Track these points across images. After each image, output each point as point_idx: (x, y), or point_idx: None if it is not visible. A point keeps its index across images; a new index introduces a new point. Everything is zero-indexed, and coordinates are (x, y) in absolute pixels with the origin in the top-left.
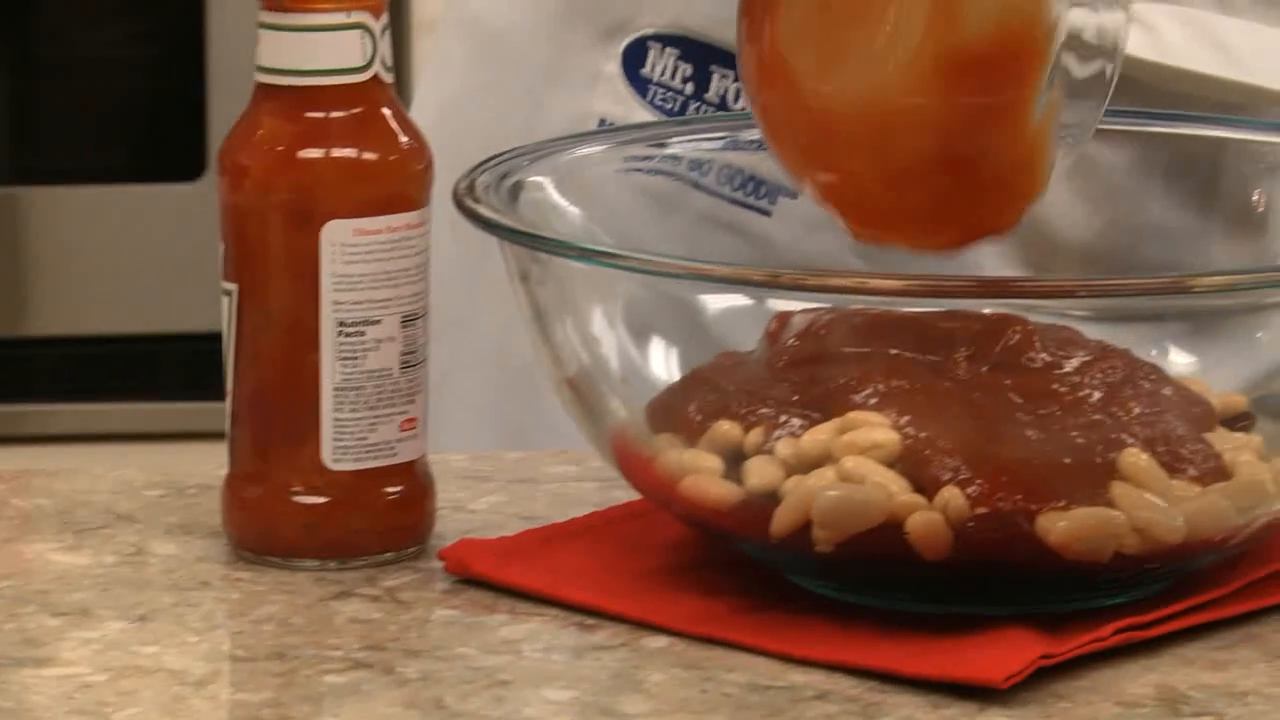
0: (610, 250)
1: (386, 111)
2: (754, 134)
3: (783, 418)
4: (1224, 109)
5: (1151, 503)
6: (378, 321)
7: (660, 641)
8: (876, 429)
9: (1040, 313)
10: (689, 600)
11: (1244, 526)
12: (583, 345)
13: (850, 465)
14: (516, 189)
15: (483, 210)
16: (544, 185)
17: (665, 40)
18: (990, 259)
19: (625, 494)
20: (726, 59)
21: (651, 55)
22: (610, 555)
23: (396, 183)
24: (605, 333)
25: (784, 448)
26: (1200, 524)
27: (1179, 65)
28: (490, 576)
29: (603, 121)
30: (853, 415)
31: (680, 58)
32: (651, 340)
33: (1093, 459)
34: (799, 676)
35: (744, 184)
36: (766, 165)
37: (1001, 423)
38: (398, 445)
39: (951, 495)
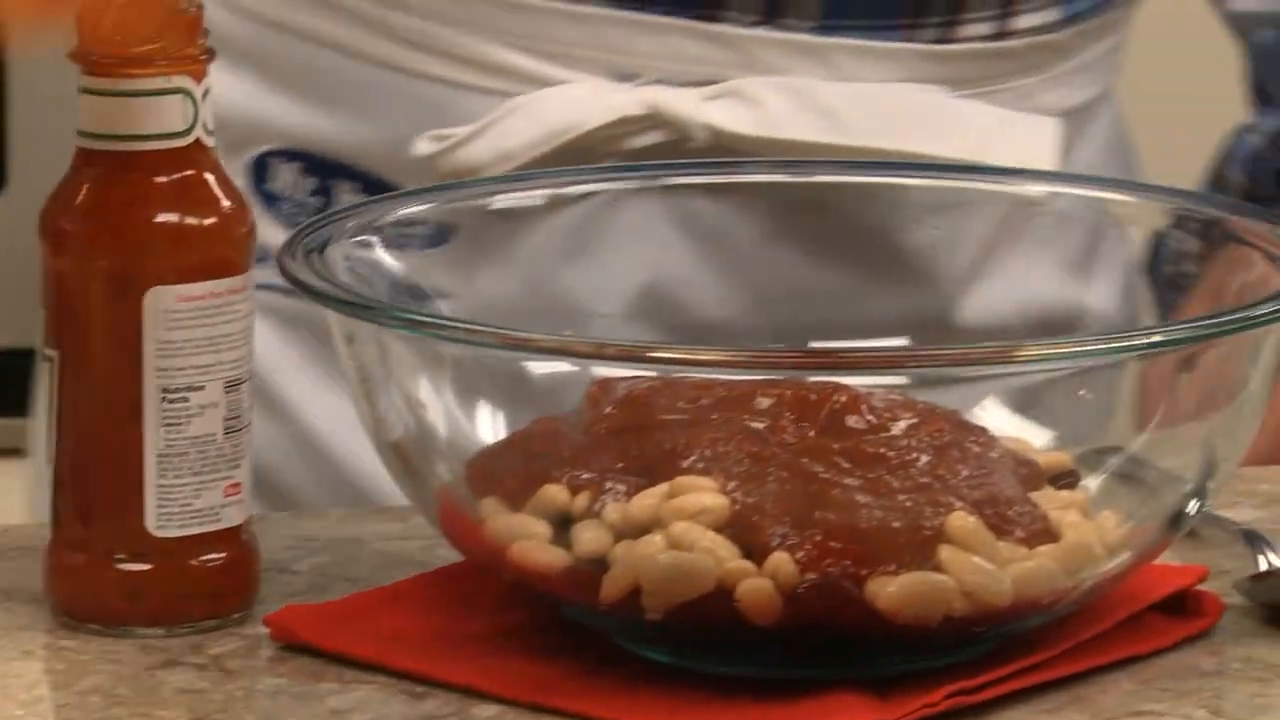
0: (433, 320)
1: (209, 176)
2: (582, 188)
3: (608, 483)
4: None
5: (979, 566)
6: (201, 387)
7: (491, 710)
8: (705, 494)
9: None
10: (518, 665)
11: (1072, 589)
12: (407, 408)
13: (679, 530)
14: (347, 248)
15: (305, 276)
16: (373, 244)
17: (287, 155)
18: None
19: (449, 553)
20: (349, 172)
21: (276, 170)
22: (437, 619)
23: (220, 247)
24: (431, 396)
25: (612, 512)
26: (1028, 587)
27: (788, 137)
28: (317, 644)
29: None
30: (681, 480)
31: (303, 172)
32: (478, 404)
33: (921, 523)
34: None
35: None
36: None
37: (829, 488)
38: (222, 511)
39: (781, 561)
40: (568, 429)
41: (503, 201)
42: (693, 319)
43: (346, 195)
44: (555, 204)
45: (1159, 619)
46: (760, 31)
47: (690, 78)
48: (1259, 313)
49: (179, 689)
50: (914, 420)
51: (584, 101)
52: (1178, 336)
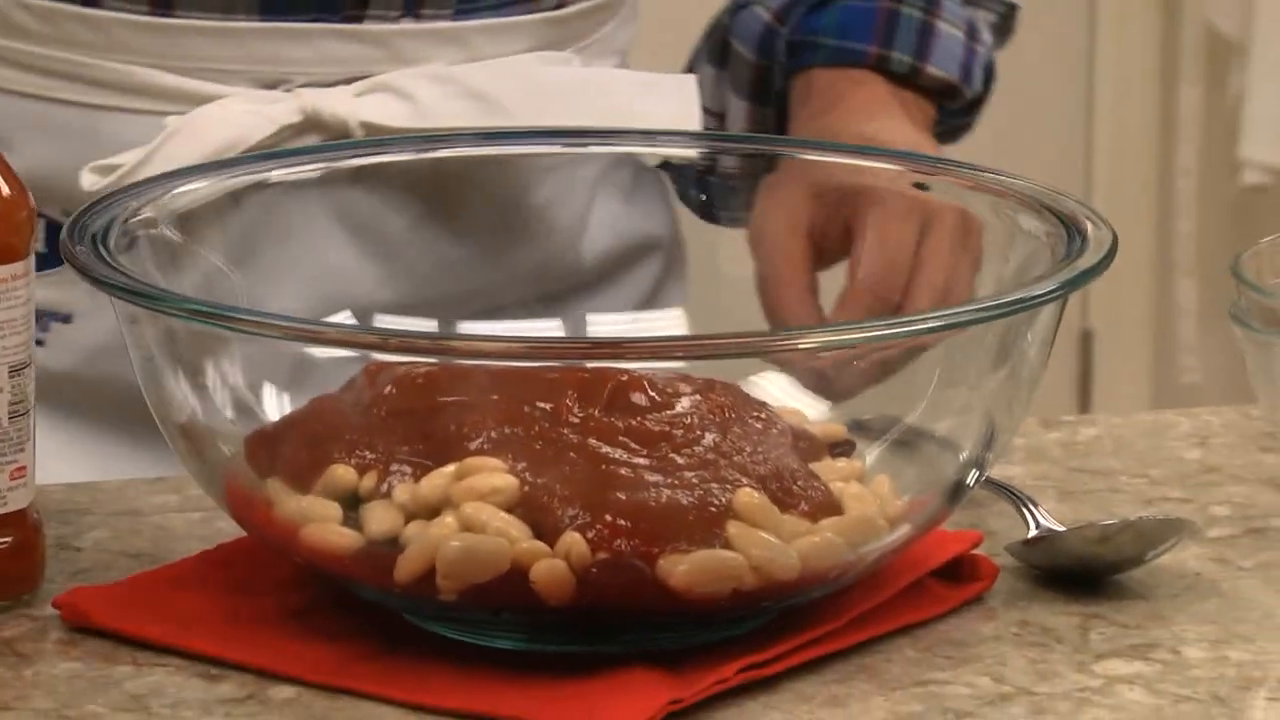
0: (219, 311)
1: None
2: (354, 162)
3: (395, 464)
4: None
5: (767, 541)
6: None
7: (288, 692)
8: (495, 474)
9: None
10: (311, 646)
11: (856, 561)
12: (194, 391)
13: (470, 511)
14: (136, 228)
15: (88, 262)
16: (160, 223)
17: None
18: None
19: (227, 525)
20: None
21: None
22: (227, 599)
23: (1, 234)
24: (217, 379)
25: (402, 493)
26: (814, 560)
27: (443, 126)
28: (110, 626)
29: None
30: (471, 461)
31: None
32: (264, 387)
33: (708, 500)
34: None
35: None
36: None
37: (617, 467)
38: (8, 494)
39: (573, 541)
40: (347, 409)
41: (183, 202)
42: (357, 307)
43: None
44: (224, 207)
45: (937, 584)
46: (403, 25)
47: (339, 76)
48: (1037, 293)
49: None
50: (695, 396)
51: (241, 116)
52: (957, 320)
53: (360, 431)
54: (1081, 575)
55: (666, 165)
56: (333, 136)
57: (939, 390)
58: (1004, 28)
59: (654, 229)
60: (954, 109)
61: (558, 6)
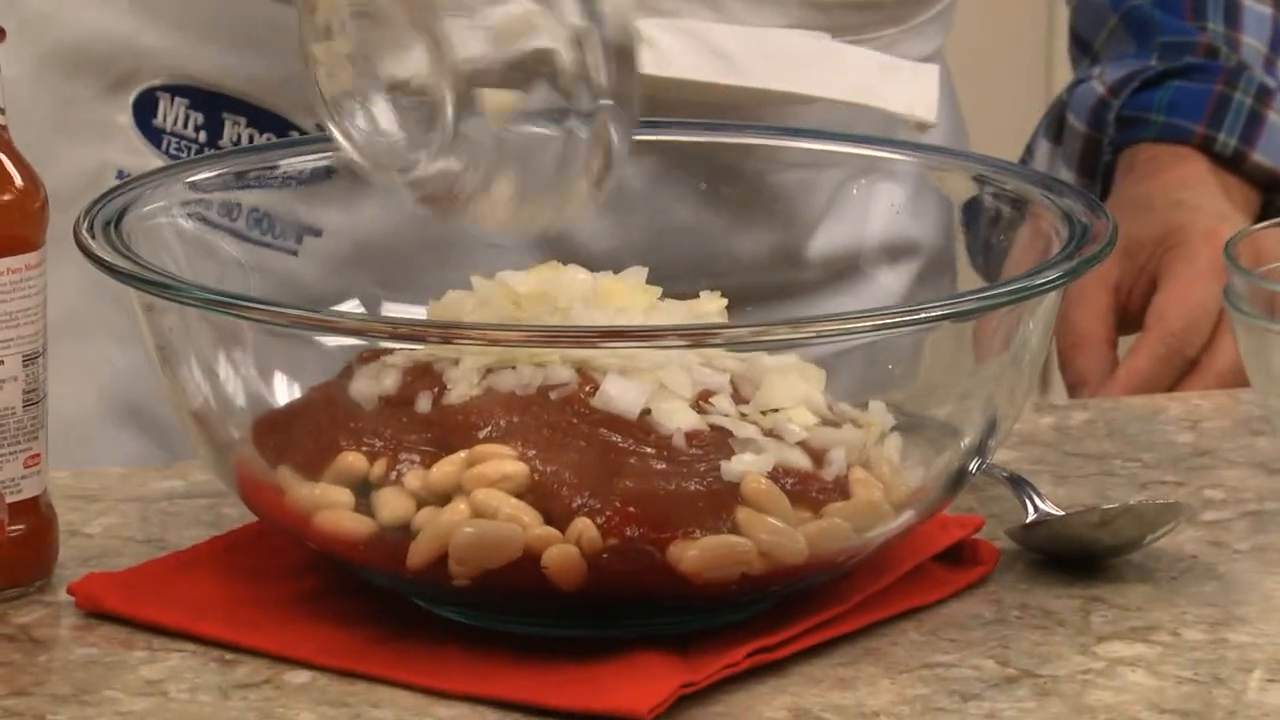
0: (233, 299)
1: (2, 156)
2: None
3: (404, 451)
4: (727, 112)
5: (774, 526)
6: (0, 363)
7: (303, 676)
8: (505, 461)
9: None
10: (325, 630)
11: (862, 547)
12: (207, 379)
13: (482, 497)
14: (149, 216)
15: (102, 251)
16: (174, 212)
17: (174, 90)
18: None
19: (236, 509)
20: (236, 105)
21: (162, 105)
22: (240, 584)
23: (14, 224)
24: (229, 368)
25: (413, 479)
26: (821, 545)
27: (681, 76)
28: (124, 612)
29: (120, 173)
30: (481, 448)
31: (190, 106)
32: (277, 375)
33: (717, 485)
34: (444, 710)
35: (270, 227)
36: (286, 205)
37: (626, 454)
38: (22, 482)
39: (585, 527)
40: (353, 396)
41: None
42: (583, 251)
43: (234, 129)
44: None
45: (939, 568)
46: None
47: None
48: (1039, 282)
49: None
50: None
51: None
52: (960, 309)
53: (369, 418)
54: (1081, 559)
55: (967, 212)
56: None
57: (941, 379)
58: None
59: (918, 236)
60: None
61: None
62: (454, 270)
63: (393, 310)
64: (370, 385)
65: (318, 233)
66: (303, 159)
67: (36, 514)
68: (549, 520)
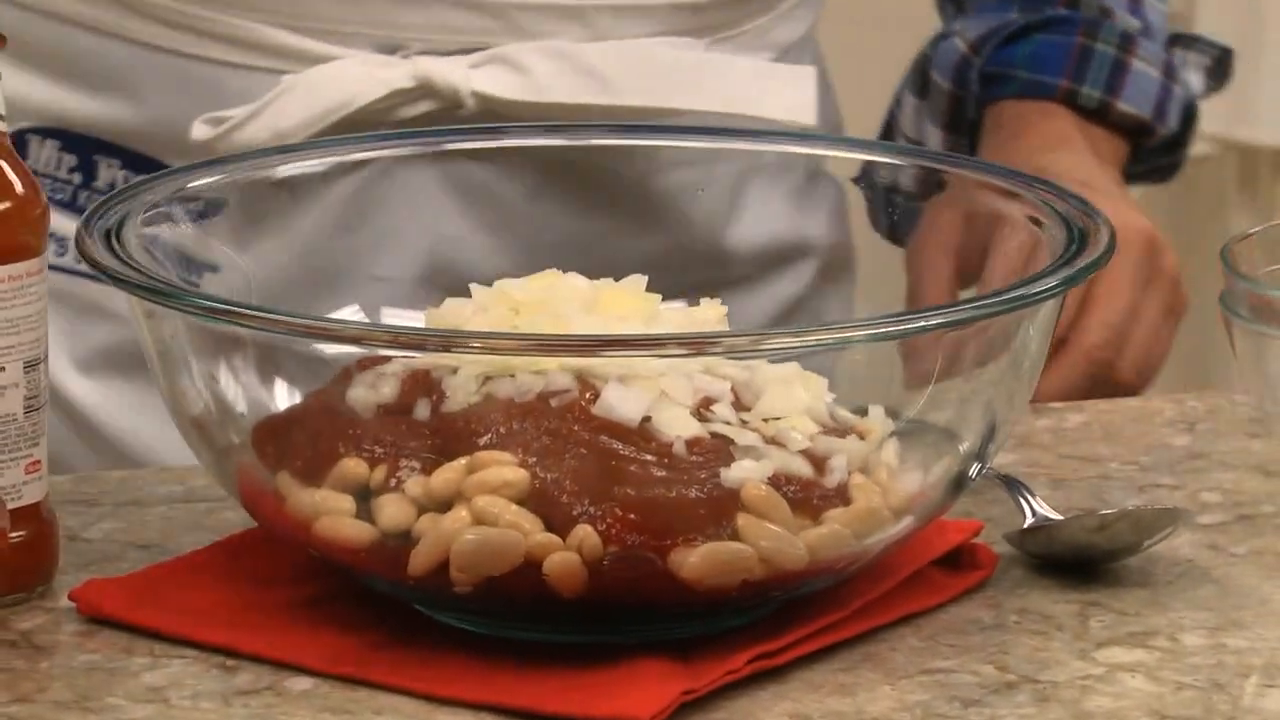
0: (233, 307)
1: (2, 164)
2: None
3: (404, 457)
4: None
5: (775, 533)
6: (1, 369)
7: (304, 683)
8: (506, 468)
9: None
10: (325, 637)
11: (862, 553)
12: (207, 385)
13: (483, 504)
14: (140, 226)
15: (103, 258)
16: (167, 218)
17: (44, 133)
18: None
19: (235, 514)
20: (109, 148)
21: (33, 147)
22: (240, 590)
23: (16, 232)
24: (229, 374)
25: (413, 486)
26: (821, 551)
27: (555, 100)
28: (125, 618)
29: None
30: (481, 455)
31: (62, 149)
32: (278, 382)
33: (717, 492)
34: (446, 717)
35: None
36: (190, 242)
37: (627, 461)
38: (24, 488)
39: (586, 534)
40: (351, 403)
41: (286, 170)
42: (468, 277)
43: (109, 172)
44: (333, 174)
45: (938, 573)
46: None
47: (456, 46)
48: (1038, 290)
49: None
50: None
51: (354, 77)
52: (960, 317)
53: (369, 425)
54: (1078, 563)
55: (861, 181)
56: (445, 105)
57: (941, 385)
58: (1218, 72)
59: (814, 234)
60: (1153, 148)
61: None
62: (341, 301)
63: (391, 316)
64: (368, 393)
65: (216, 269)
66: (297, 165)
67: (38, 520)
68: (550, 527)
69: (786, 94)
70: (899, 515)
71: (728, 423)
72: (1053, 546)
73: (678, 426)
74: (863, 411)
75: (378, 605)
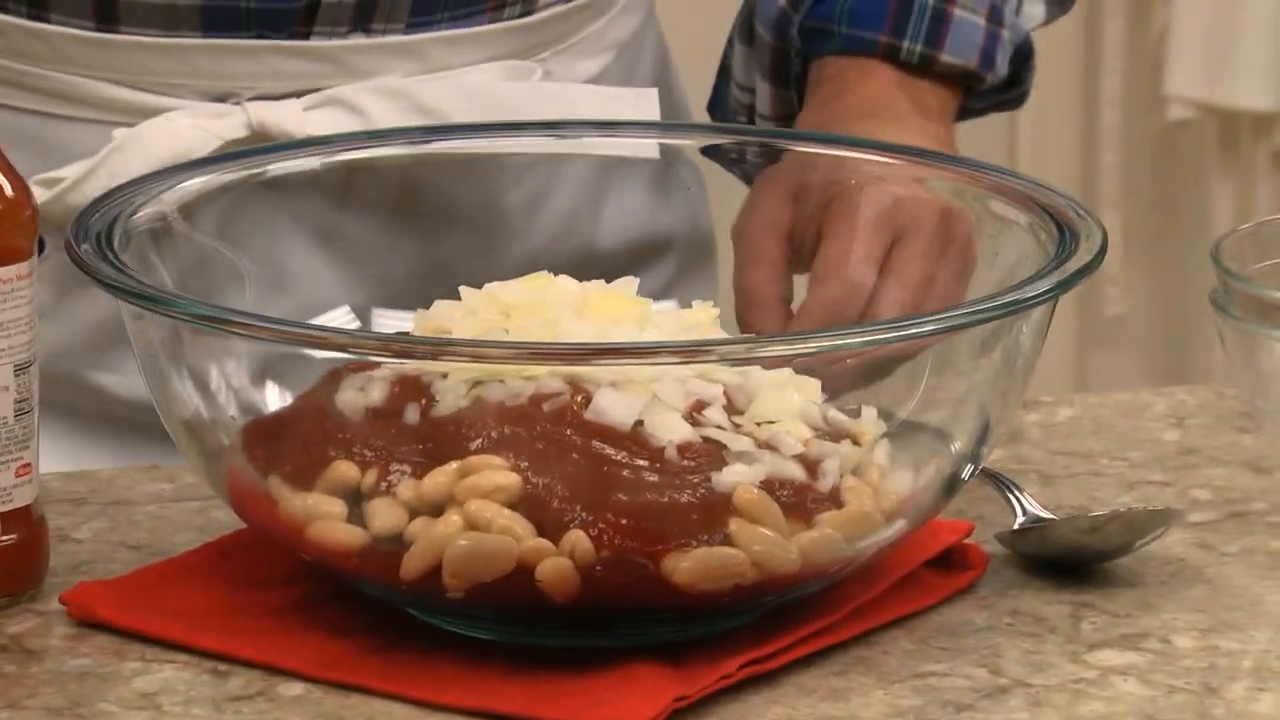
0: (224, 316)
1: None
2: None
3: (395, 461)
4: (444, 167)
5: (767, 537)
6: None
7: (297, 688)
8: (498, 472)
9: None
10: (317, 641)
11: (854, 556)
12: (197, 388)
13: (475, 508)
14: (146, 222)
15: (94, 263)
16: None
17: None
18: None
19: (224, 514)
20: None
21: None
22: (232, 593)
23: (5, 235)
24: (220, 378)
25: (405, 490)
26: (813, 556)
27: None
28: (116, 622)
29: None
30: (473, 459)
31: None
32: (267, 385)
33: (710, 497)
34: None
35: None
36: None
37: (619, 467)
38: (14, 491)
39: (578, 539)
40: (340, 407)
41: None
42: (322, 307)
43: None
44: (192, 210)
45: (930, 574)
46: (352, 40)
47: (289, 90)
48: (1030, 295)
49: None
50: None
51: (185, 132)
52: (950, 324)
53: (359, 428)
54: (1070, 563)
55: (709, 153)
56: None
57: (933, 386)
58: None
59: (673, 224)
60: (986, 90)
61: (524, 14)
62: None
63: (383, 318)
64: (357, 396)
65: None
66: (294, 162)
67: (28, 523)
68: (542, 532)
69: (632, 117)
70: (891, 518)
71: (720, 427)
72: (1045, 547)
73: (670, 431)
74: (855, 412)
75: (370, 607)
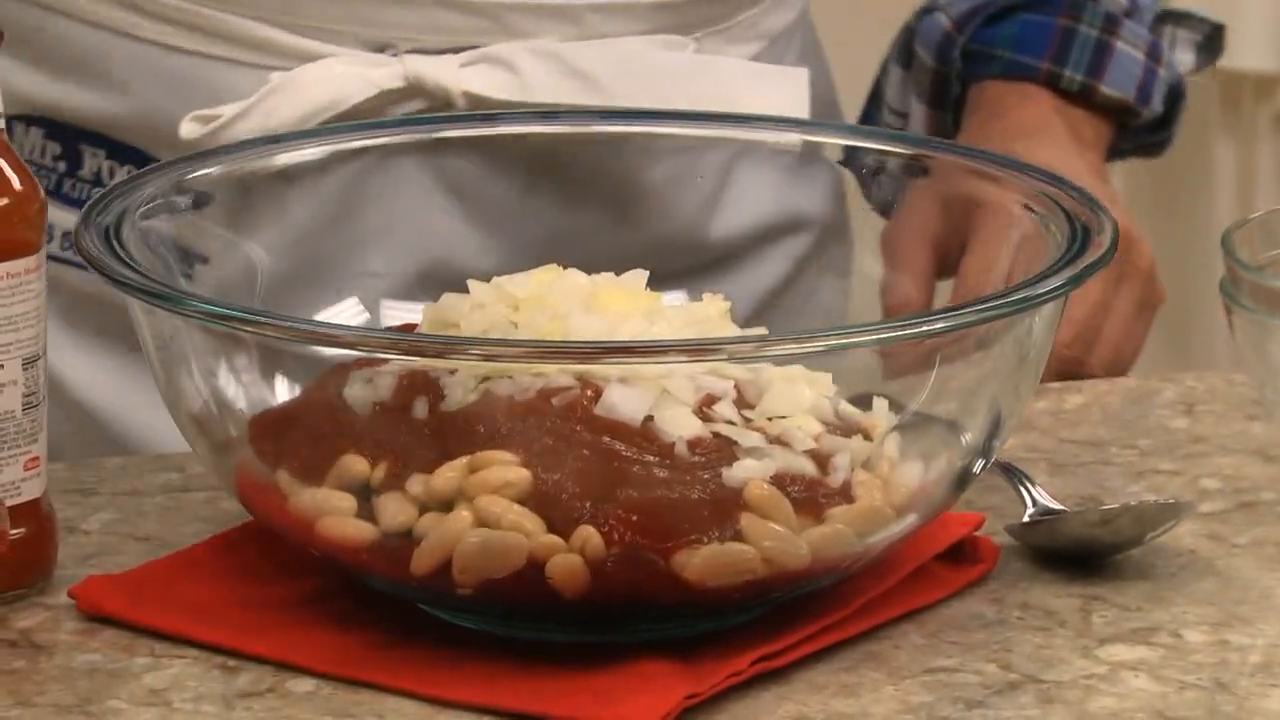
0: (237, 313)
1: (0, 160)
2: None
3: (405, 456)
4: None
5: (778, 532)
6: (0, 366)
7: (307, 684)
8: (508, 467)
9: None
10: (326, 636)
11: (865, 552)
12: (206, 382)
13: (484, 504)
14: (154, 213)
15: (103, 259)
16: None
17: (30, 120)
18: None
19: (232, 505)
20: (94, 138)
21: (18, 134)
22: (241, 587)
23: (15, 229)
24: (229, 373)
25: (415, 485)
26: (824, 551)
27: (544, 101)
28: (126, 617)
29: None
30: (483, 454)
31: (46, 136)
32: (277, 381)
33: (720, 492)
34: None
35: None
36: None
37: (629, 462)
38: (22, 485)
39: (589, 535)
40: (349, 400)
41: (284, 160)
42: (461, 272)
43: (94, 161)
44: (329, 164)
45: (940, 567)
46: None
47: (446, 45)
48: (1042, 291)
49: None
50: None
51: (344, 77)
52: (963, 321)
53: (368, 423)
54: (1080, 556)
55: (847, 163)
56: (434, 105)
57: (944, 379)
58: (1209, 47)
59: (809, 208)
60: (1139, 127)
61: None
62: (334, 296)
63: (391, 309)
64: (365, 390)
65: (205, 259)
66: (301, 152)
67: (37, 516)
68: (552, 527)
69: (777, 95)
70: (902, 513)
71: (731, 422)
72: (1055, 540)
73: (680, 426)
74: (866, 402)
75: (379, 601)
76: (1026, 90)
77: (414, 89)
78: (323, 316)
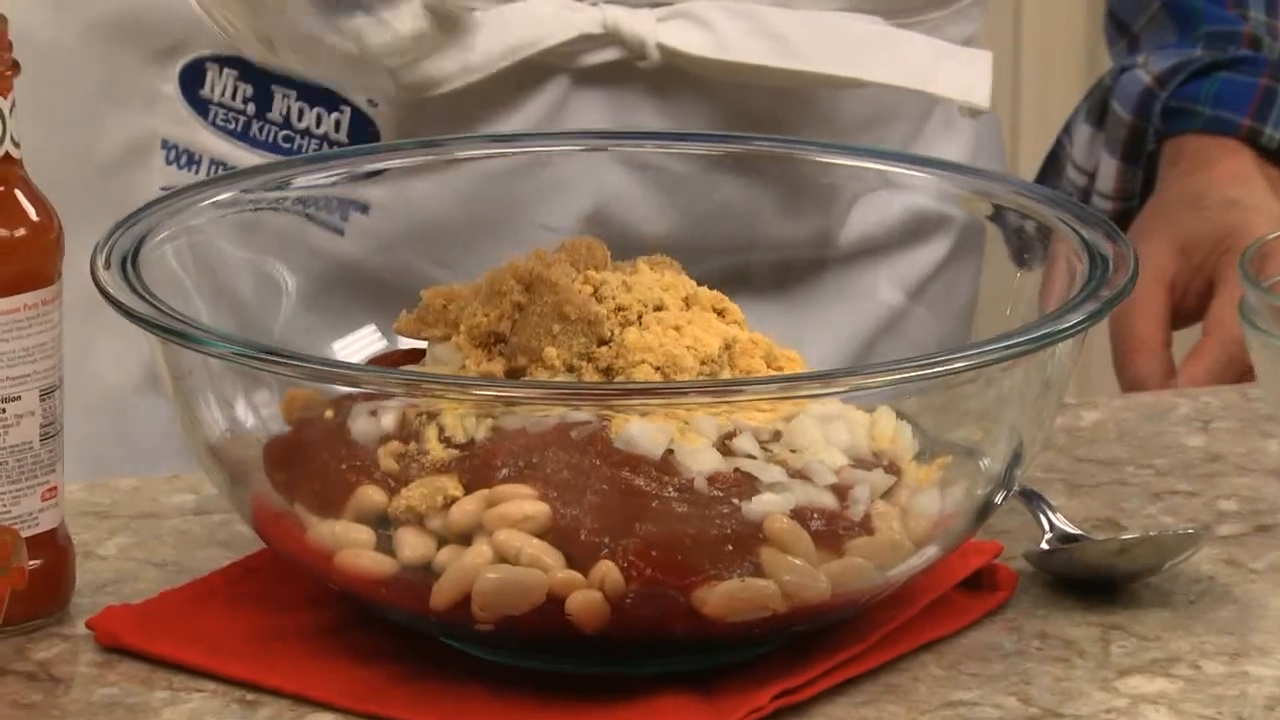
0: (257, 351)
1: (17, 192)
2: (371, 166)
3: (423, 487)
4: (782, 94)
5: (798, 566)
6: (17, 398)
7: (325, 718)
8: (526, 501)
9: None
10: (345, 669)
11: (884, 585)
12: (223, 413)
13: (503, 538)
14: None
15: (120, 295)
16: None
17: (223, 61)
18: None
19: (246, 529)
20: (286, 78)
21: (210, 76)
22: (258, 617)
23: (31, 260)
24: (247, 406)
25: (433, 518)
26: (844, 584)
27: (738, 60)
28: (143, 649)
29: (165, 143)
30: (501, 488)
31: (239, 78)
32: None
33: (740, 526)
34: None
35: (315, 203)
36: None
37: (648, 497)
38: (40, 515)
39: (608, 570)
40: (354, 434)
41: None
42: (632, 234)
43: (283, 103)
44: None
45: (958, 595)
46: None
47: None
48: (1064, 326)
49: (14, 703)
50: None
51: (545, 19)
52: (985, 359)
53: (378, 456)
54: (1099, 583)
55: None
56: (629, 54)
57: (966, 410)
58: None
59: (949, 209)
60: None
61: None
62: (503, 247)
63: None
64: (370, 423)
65: (365, 209)
66: (316, 176)
67: (54, 546)
68: (570, 561)
69: (963, 74)
70: (922, 545)
71: (751, 455)
72: (1073, 567)
73: (700, 461)
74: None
75: (397, 632)
76: (1227, 144)
77: (611, 36)
78: (341, 344)
